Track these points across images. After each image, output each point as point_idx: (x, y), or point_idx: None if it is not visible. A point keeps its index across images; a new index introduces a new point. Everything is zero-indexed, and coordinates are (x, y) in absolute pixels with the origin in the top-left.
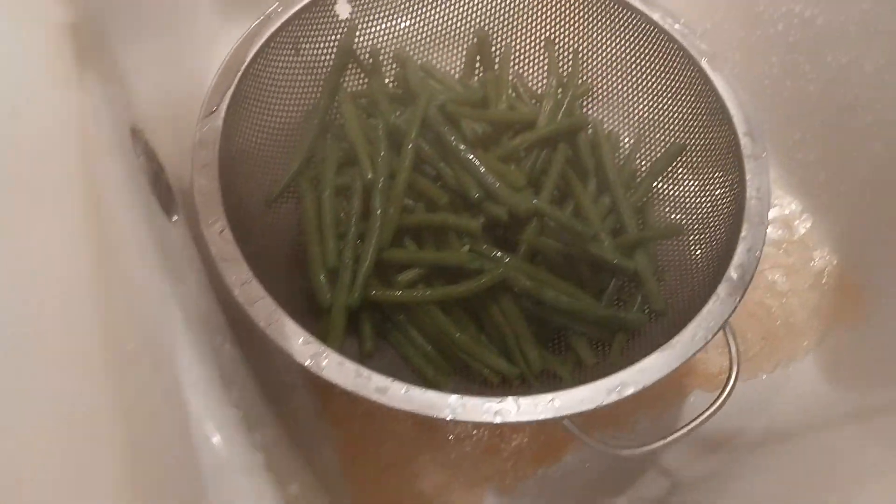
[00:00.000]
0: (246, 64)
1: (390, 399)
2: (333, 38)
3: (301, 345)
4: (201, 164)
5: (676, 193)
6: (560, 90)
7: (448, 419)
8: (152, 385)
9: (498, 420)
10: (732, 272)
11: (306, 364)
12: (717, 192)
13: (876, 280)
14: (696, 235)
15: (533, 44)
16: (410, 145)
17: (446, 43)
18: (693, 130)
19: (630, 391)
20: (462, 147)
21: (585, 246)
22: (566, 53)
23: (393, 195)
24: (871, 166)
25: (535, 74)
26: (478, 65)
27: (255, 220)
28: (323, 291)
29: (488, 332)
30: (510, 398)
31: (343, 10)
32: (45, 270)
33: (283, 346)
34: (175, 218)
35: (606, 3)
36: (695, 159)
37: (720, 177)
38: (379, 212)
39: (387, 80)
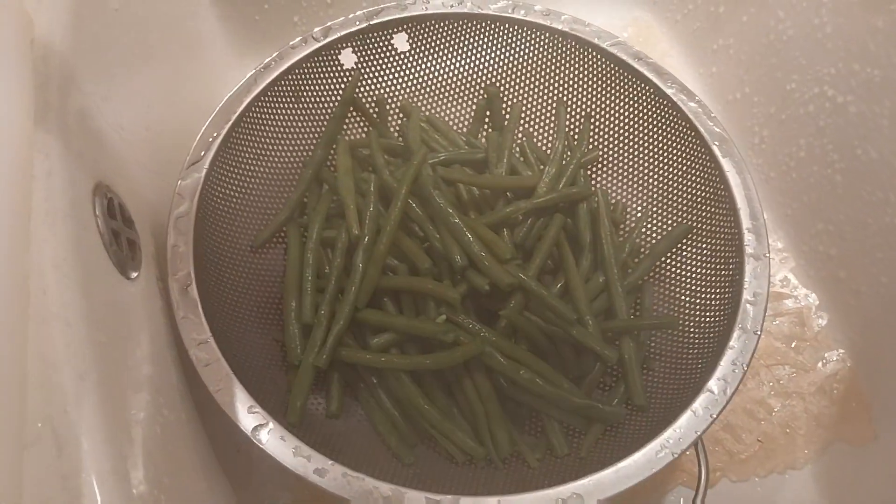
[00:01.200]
0: (237, 113)
1: (328, 483)
2: (336, 86)
3: (246, 413)
4: (177, 216)
5: (679, 277)
6: (567, 154)
7: None
8: (52, 468)
9: None
10: (713, 385)
11: (248, 434)
12: (717, 285)
13: (890, 395)
14: (691, 328)
15: (545, 103)
16: (399, 204)
17: (456, 96)
18: (701, 214)
19: None
20: (450, 211)
21: (569, 329)
22: (578, 117)
23: (376, 254)
24: (890, 270)
25: (545, 135)
26: (487, 120)
27: (237, 267)
28: (294, 347)
29: (460, 405)
30: (450, 497)
31: (348, 60)
32: None
33: (229, 413)
34: (135, 275)
35: (620, 71)
36: (700, 245)
37: (722, 270)
38: (359, 270)
39: (393, 130)
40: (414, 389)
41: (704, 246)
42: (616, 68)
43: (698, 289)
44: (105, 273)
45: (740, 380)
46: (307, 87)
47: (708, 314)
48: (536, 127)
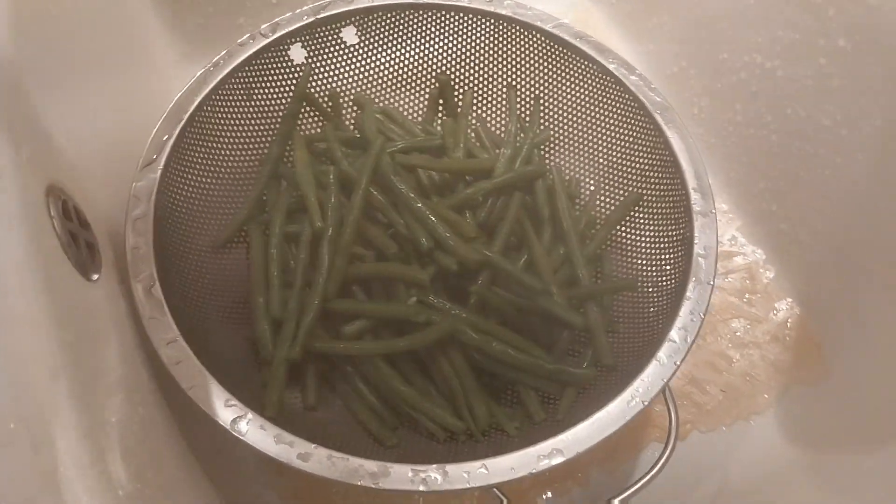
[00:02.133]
0: (189, 112)
1: (312, 466)
2: (288, 82)
3: (223, 407)
4: (134, 218)
5: (635, 242)
6: (520, 136)
7: (371, 487)
8: (28, 468)
9: (422, 489)
10: (674, 334)
11: (227, 427)
12: (669, 246)
13: (837, 334)
14: (650, 288)
15: (495, 89)
16: (360, 193)
17: (409, 86)
18: (650, 181)
19: (560, 459)
20: (412, 196)
21: (536, 299)
22: (528, 99)
23: (341, 244)
24: (830, 220)
25: (498, 119)
26: (440, 108)
27: (200, 268)
28: (265, 343)
29: (437, 384)
30: (435, 466)
31: (298, 55)
32: None
33: (204, 408)
34: (96, 277)
35: (565, 52)
36: (651, 210)
37: (673, 230)
38: (326, 261)
39: (348, 123)
40: (390, 373)
41: (655, 210)
42: (560, 49)
43: (653, 251)
44: (66, 275)
45: (699, 327)
46: (258, 85)
47: (664, 273)
48: (489, 111)
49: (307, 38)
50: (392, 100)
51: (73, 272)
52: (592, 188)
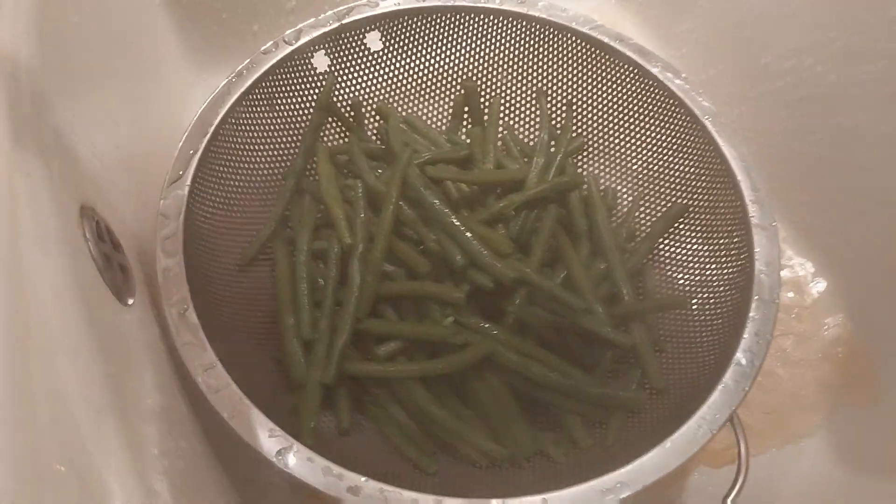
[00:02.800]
0: (214, 126)
1: (364, 501)
2: (311, 91)
3: (267, 438)
4: (164, 237)
5: (680, 256)
6: (552, 145)
7: None
8: None
9: None
10: (741, 357)
11: (272, 460)
12: (723, 260)
13: (891, 352)
14: (700, 304)
15: (524, 95)
16: (391, 208)
17: (433, 94)
18: (697, 191)
19: (627, 493)
20: (444, 211)
21: (577, 318)
22: (559, 105)
23: (371, 262)
24: (882, 233)
25: (527, 127)
26: (466, 116)
27: (227, 287)
28: (297, 366)
29: (475, 408)
30: (496, 501)
31: (321, 63)
32: None
33: (248, 440)
34: (131, 301)
35: (601, 54)
36: (699, 222)
37: (726, 243)
38: (357, 280)
39: (370, 134)
40: (426, 396)
41: (703, 223)
42: (597, 52)
43: (701, 266)
44: (104, 301)
45: (766, 350)
46: (281, 94)
47: (715, 289)
48: (517, 120)
49: (331, 45)
50: (415, 108)
51: (110, 297)
52: (631, 199)
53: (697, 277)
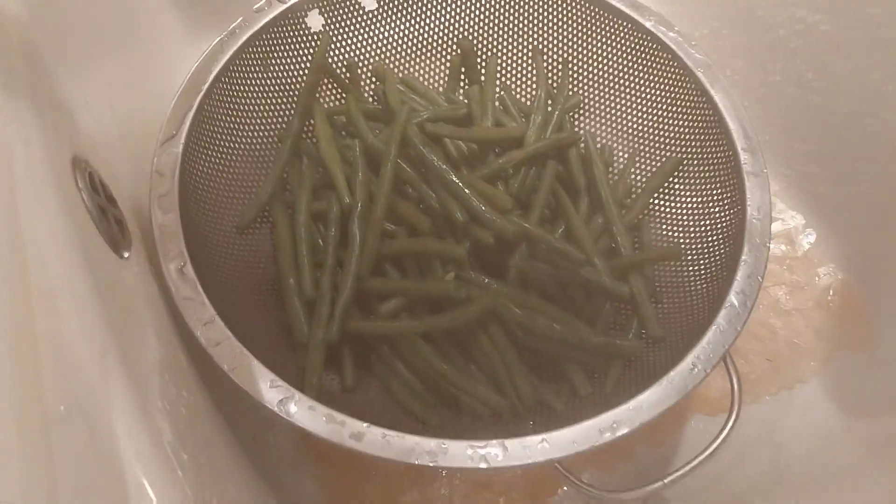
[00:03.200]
0: (208, 84)
1: (366, 446)
2: (306, 52)
3: (269, 388)
4: (159, 195)
5: (674, 210)
6: (549, 103)
7: (430, 465)
8: (87, 453)
9: (483, 466)
10: (733, 298)
11: (274, 410)
12: (716, 210)
13: (883, 298)
14: (694, 255)
15: (520, 54)
16: (389, 167)
17: (429, 54)
18: (690, 144)
19: (624, 430)
20: (444, 168)
21: (578, 271)
22: (555, 64)
23: (372, 221)
24: (876, 178)
25: (524, 86)
26: (463, 76)
27: (225, 249)
28: (300, 325)
29: (477, 362)
30: (495, 442)
31: (315, 22)
32: None
33: (249, 391)
34: (127, 255)
35: (596, 10)
36: (693, 175)
37: (719, 194)
38: (357, 239)
39: (367, 95)
40: (430, 351)
41: (698, 174)
42: (592, 7)
43: (696, 217)
44: (100, 251)
45: (758, 291)
46: (275, 54)
47: (709, 238)
48: (513, 79)
49: (325, 4)
50: (412, 69)
51: (105, 249)
52: (627, 155)
53: (692, 229)
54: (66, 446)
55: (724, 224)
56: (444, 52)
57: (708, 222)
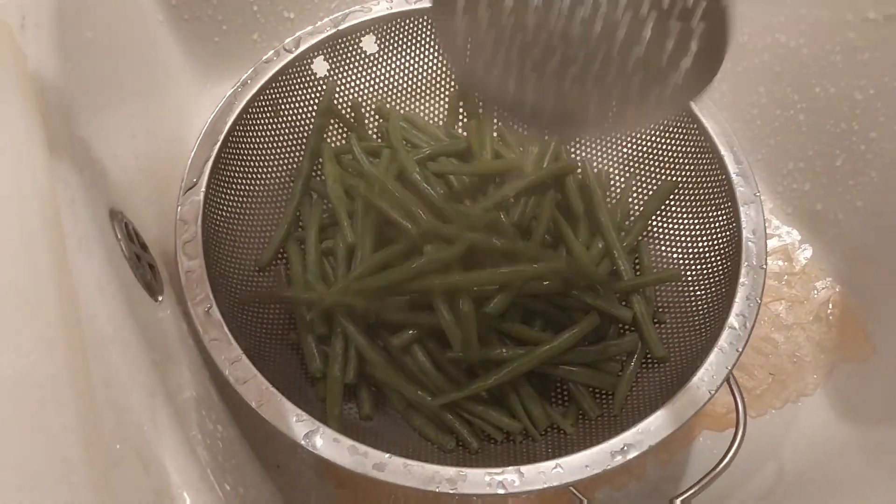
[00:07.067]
0: (224, 133)
1: (389, 475)
2: (313, 96)
3: (294, 422)
4: (184, 241)
5: (673, 232)
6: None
7: (449, 492)
8: (142, 487)
9: (501, 492)
10: (734, 320)
11: (301, 443)
12: (713, 232)
13: (880, 310)
14: (694, 275)
15: None
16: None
17: (428, 90)
18: (685, 169)
19: (635, 453)
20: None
21: (582, 297)
22: None
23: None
24: (867, 194)
25: None
26: (461, 111)
27: (247, 286)
28: (314, 361)
29: (490, 389)
30: (511, 468)
31: (320, 68)
32: (21, 377)
33: (277, 425)
34: (161, 298)
35: None
36: (688, 197)
37: (715, 216)
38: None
39: (371, 132)
40: (442, 380)
41: (693, 198)
42: None
43: (694, 239)
44: (139, 296)
45: (756, 313)
46: (285, 100)
47: (708, 260)
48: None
49: (329, 50)
50: (413, 106)
51: (143, 294)
52: (622, 181)
53: (690, 250)
54: (125, 481)
55: (722, 245)
56: (443, 89)
57: (706, 243)
